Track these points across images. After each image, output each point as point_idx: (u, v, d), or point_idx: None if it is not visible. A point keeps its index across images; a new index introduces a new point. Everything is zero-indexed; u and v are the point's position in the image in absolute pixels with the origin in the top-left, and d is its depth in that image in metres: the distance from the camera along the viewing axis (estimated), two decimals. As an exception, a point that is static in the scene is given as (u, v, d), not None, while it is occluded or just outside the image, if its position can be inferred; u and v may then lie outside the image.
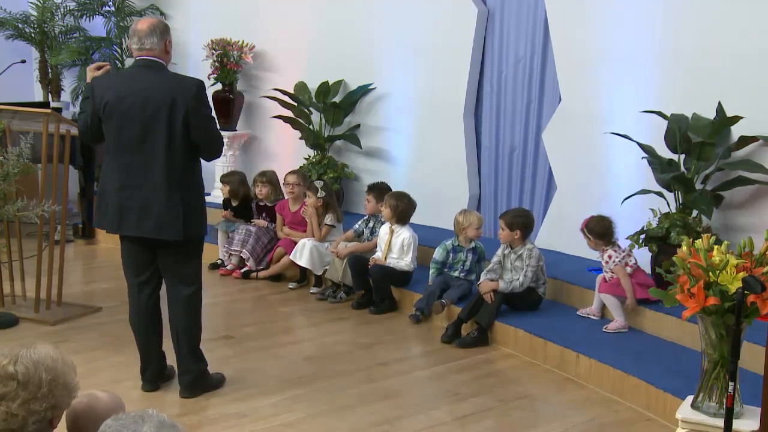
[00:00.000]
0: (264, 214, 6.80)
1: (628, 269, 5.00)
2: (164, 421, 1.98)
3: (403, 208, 5.86)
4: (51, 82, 8.77)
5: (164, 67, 4.06)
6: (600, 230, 5.07)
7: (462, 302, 5.40)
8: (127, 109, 3.95)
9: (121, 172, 4.03)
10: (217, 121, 4.29)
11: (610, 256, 5.03)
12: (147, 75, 4.00)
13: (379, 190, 6.19)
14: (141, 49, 4.03)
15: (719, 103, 5.04)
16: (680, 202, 5.07)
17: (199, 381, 4.26)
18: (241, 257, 6.63)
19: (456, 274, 5.66)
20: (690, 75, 5.29)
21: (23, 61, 8.19)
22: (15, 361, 2.19)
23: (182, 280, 4.16)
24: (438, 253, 5.69)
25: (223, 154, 7.68)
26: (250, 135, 8.32)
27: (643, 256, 5.27)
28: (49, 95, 8.78)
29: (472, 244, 5.68)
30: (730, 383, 2.92)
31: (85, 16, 8.64)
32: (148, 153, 3.95)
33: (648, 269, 5.26)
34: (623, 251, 5.05)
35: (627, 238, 5.13)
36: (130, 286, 4.24)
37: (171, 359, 4.32)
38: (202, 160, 4.17)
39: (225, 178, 7.01)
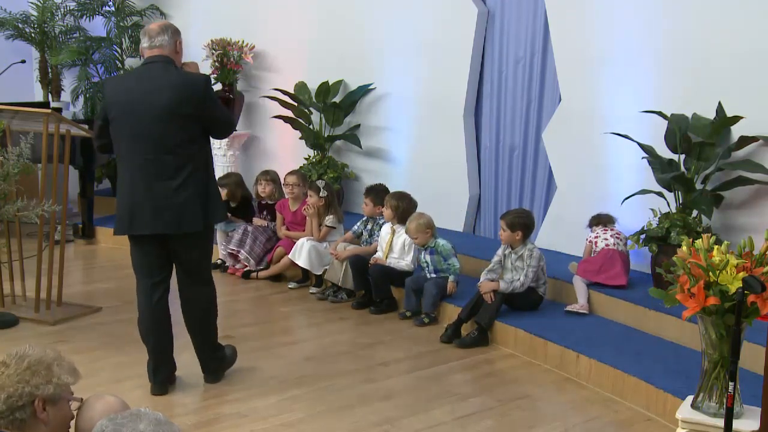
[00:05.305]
0: (265, 212, 6.80)
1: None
2: (160, 419, 1.99)
3: (404, 209, 5.85)
4: (51, 82, 8.76)
5: (172, 63, 4.05)
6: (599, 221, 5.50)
7: (462, 301, 5.40)
8: (136, 106, 3.95)
9: (132, 170, 4.02)
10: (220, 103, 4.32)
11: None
12: (155, 72, 4.00)
13: (377, 192, 6.18)
14: (151, 47, 4.04)
15: (719, 103, 5.04)
16: (680, 202, 5.07)
17: (221, 366, 4.45)
18: (238, 256, 6.63)
19: (427, 274, 5.67)
20: (690, 75, 5.29)
21: (23, 61, 8.19)
22: (13, 353, 2.36)
23: (199, 277, 4.21)
24: None
25: (223, 154, 7.82)
26: (250, 135, 8.32)
27: (643, 256, 5.27)
28: (49, 95, 8.78)
29: (430, 244, 5.64)
30: (730, 383, 2.91)
31: (85, 16, 8.64)
32: (159, 149, 3.95)
33: (648, 269, 5.27)
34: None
35: (627, 238, 5.13)
36: (142, 288, 4.16)
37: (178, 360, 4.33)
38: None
39: (221, 181, 6.95)
